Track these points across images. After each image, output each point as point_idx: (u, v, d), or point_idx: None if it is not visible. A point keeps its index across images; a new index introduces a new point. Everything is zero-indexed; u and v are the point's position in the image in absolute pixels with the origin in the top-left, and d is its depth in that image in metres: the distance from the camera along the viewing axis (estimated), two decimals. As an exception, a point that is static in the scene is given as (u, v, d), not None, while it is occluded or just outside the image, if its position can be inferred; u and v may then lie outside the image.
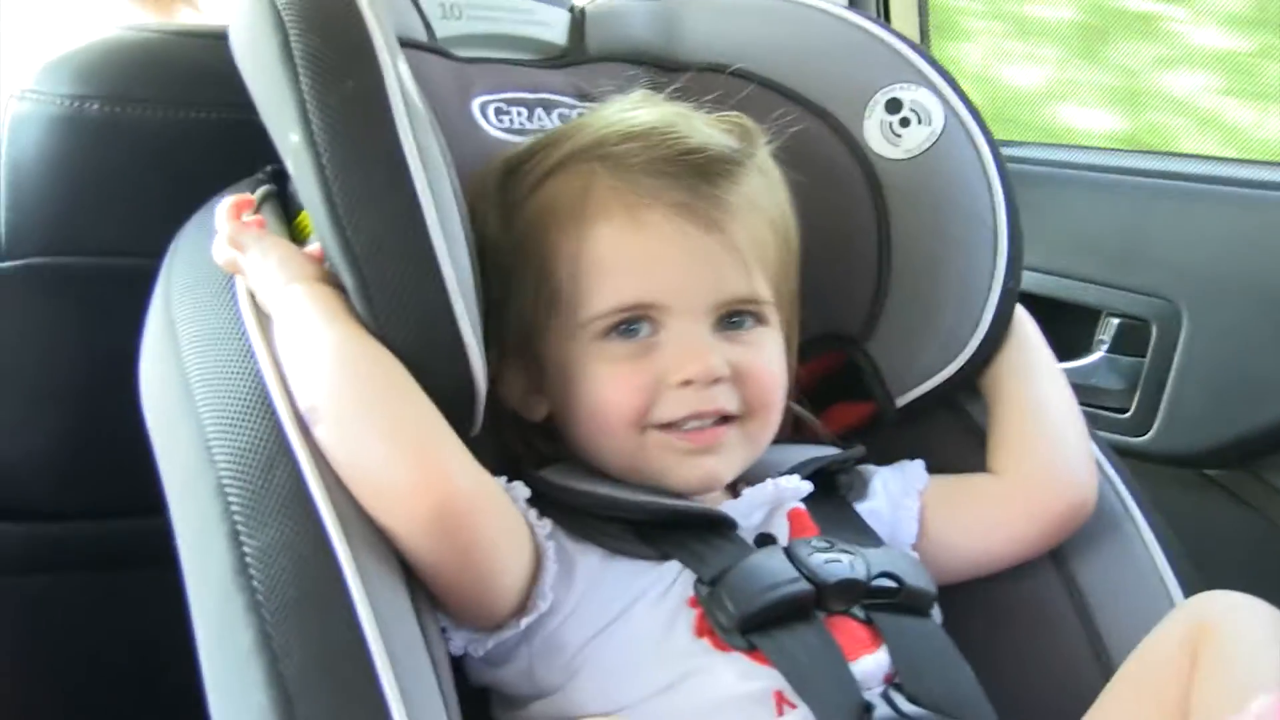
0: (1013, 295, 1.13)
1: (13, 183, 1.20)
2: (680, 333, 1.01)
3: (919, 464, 1.13)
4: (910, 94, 1.16)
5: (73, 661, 1.29)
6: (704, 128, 1.06)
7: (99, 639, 1.24)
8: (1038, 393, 1.14)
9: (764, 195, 1.06)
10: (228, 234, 1.01)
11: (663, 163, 1.02)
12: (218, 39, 1.11)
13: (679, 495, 1.03)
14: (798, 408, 1.14)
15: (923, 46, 1.24)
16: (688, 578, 0.98)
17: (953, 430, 1.17)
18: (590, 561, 0.99)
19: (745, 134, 1.07)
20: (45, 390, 1.20)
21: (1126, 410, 1.49)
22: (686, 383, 1.00)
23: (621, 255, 1.01)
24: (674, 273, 1.01)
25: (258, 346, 0.97)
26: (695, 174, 1.02)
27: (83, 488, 1.11)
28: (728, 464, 1.04)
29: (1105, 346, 1.52)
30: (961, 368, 1.13)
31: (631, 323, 1.02)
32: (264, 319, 0.99)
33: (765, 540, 1.02)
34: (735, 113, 1.10)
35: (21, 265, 1.20)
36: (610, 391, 1.02)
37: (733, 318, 1.03)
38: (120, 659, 1.23)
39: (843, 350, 1.17)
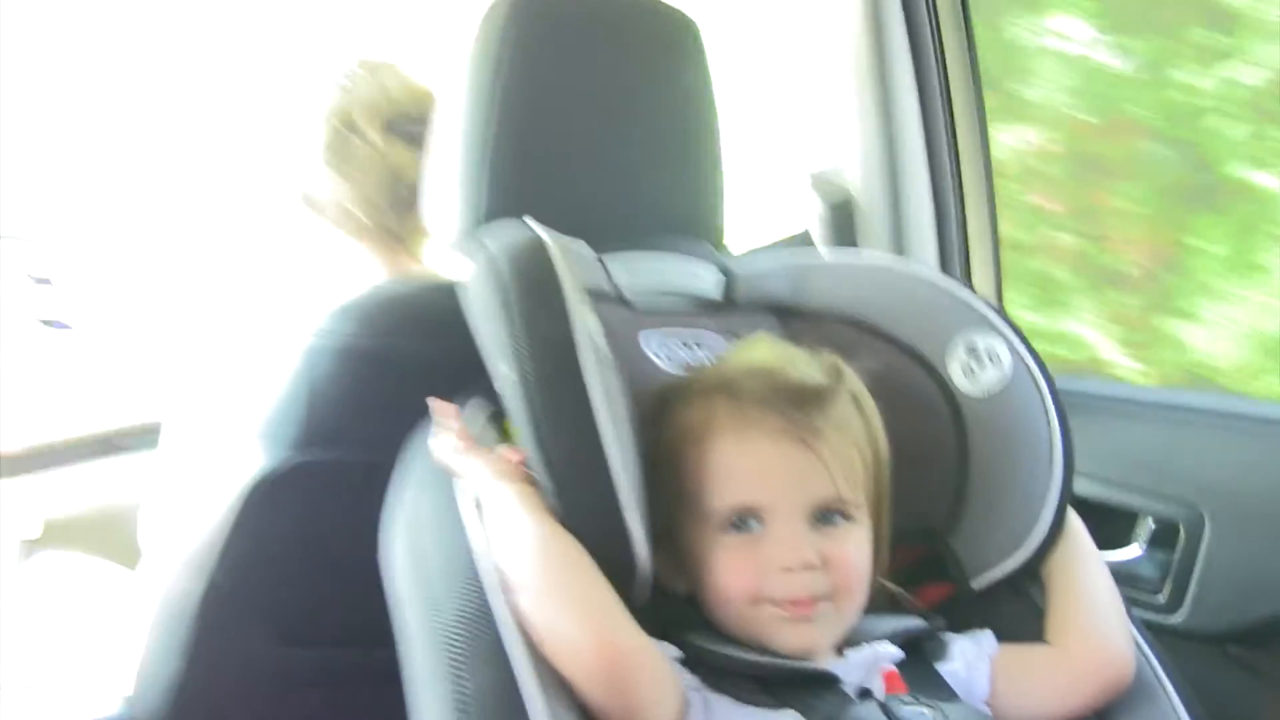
0: (1066, 503, 1.15)
1: (310, 397, 1.27)
2: (781, 528, 1.05)
3: (989, 633, 1.14)
4: (985, 342, 1.19)
5: None
6: (802, 366, 1.11)
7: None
8: (1086, 580, 1.16)
9: (851, 419, 1.11)
10: (455, 443, 1.08)
11: (768, 393, 1.07)
12: (454, 292, 1.18)
13: (791, 657, 1.05)
14: (892, 585, 1.17)
15: (996, 304, 1.28)
16: None
17: (1017, 607, 1.17)
18: (725, 707, 1.02)
19: (835, 371, 1.12)
20: (333, 551, 1.25)
21: (1160, 594, 1.48)
22: (787, 569, 1.05)
23: (735, 466, 1.07)
24: (774, 481, 1.06)
25: (473, 531, 1.02)
26: (792, 403, 1.07)
27: (357, 624, 1.15)
28: (823, 632, 1.07)
29: (1142, 542, 1.52)
30: (1025, 560, 1.16)
31: (743, 519, 1.06)
32: (478, 508, 1.03)
33: (865, 694, 1.05)
34: (829, 353, 1.14)
35: (321, 458, 1.27)
36: (729, 574, 1.06)
37: (824, 516, 1.07)
38: None
39: (930, 541, 1.20)
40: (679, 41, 1.35)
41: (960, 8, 1.77)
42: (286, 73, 2.29)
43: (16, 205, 2.45)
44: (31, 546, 2.14)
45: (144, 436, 2.25)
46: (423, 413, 1.17)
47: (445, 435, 1.09)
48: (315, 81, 1.59)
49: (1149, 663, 1.14)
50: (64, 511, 2.23)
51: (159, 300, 2.46)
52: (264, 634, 1.32)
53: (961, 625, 1.16)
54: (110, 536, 2.15)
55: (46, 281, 2.33)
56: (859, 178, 1.79)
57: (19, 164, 2.68)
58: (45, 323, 2.31)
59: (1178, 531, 1.48)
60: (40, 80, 2.69)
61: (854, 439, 1.10)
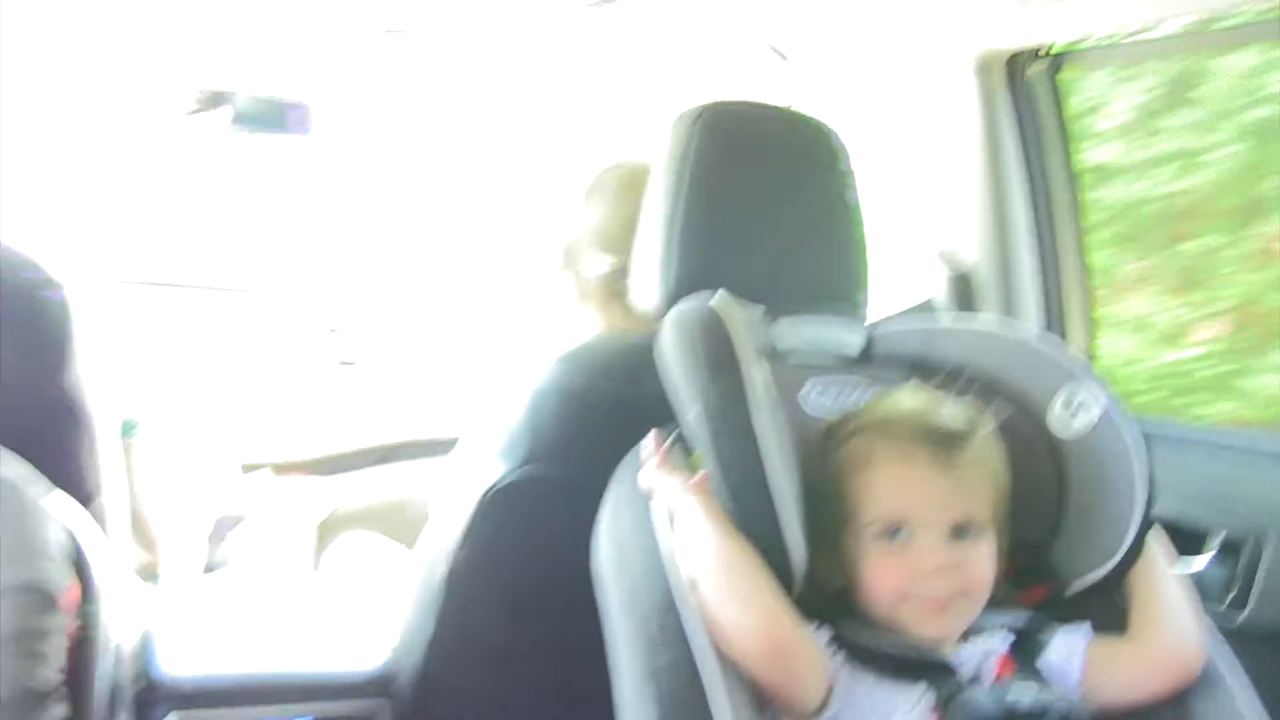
0: (1147, 523, 1.14)
1: (535, 424, 1.30)
2: (925, 540, 1.06)
3: (1087, 625, 1.13)
4: (1079, 393, 1.18)
5: (560, 706, 1.34)
6: (946, 411, 1.12)
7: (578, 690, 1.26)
8: (1163, 586, 1.14)
9: (985, 455, 1.11)
10: (653, 466, 1.11)
11: (919, 432, 1.09)
12: (650, 346, 1.20)
13: (925, 643, 1.07)
14: (999, 589, 1.14)
15: (1088, 361, 1.27)
16: (930, 696, 1.02)
17: (1103, 607, 1.15)
18: (866, 681, 1.03)
19: (973, 416, 1.13)
20: (552, 545, 1.26)
21: (1225, 599, 1.45)
22: (930, 572, 1.06)
23: (890, 488, 1.08)
24: (921, 501, 1.07)
25: (665, 535, 1.06)
26: (939, 441, 1.08)
27: (571, 604, 1.18)
28: (952, 624, 1.07)
29: (1212, 554, 1.49)
30: (1113, 569, 1.14)
31: (894, 531, 1.07)
32: (669, 517, 1.07)
33: (975, 680, 1.05)
34: (968, 401, 1.15)
35: (542, 470, 1.30)
36: (881, 575, 1.07)
37: (960, 531, 1.08)
38: (567, 690, 1.27)
39: (1033, 552, 1.18)
40: (823, 145, 1.36)
41: (1057, 114, 1.75)
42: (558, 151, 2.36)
43: (312, 263, 2.57)
44: (322, 530, 2.25)
45: (412, 448, 2.36)
46: (624, 441, 1.20)
47: (652, 460, 1.12)
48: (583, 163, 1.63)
49: (1215, 657, 1.12)
50: (348, 505, 2.34)
51: (428, 342, 2.55)
52: (497, 606, 1.34)
53: (1061, 620, 1.14)
54: (383, 524, 2.24)
55: (337, 330, 2.44)
56: (977, 254, 1.79)
57: (318, 229, 2.80)
58: (339, 362, 2.42)
59: (1242, 546, 1.45)
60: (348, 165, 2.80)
61: (986, 470, 1.11)
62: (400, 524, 2.13)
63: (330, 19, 1.89)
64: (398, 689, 1.38)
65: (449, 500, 1.39)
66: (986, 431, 1.13)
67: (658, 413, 1.18)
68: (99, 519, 1.23)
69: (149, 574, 1.64)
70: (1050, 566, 1.18)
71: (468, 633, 1.36)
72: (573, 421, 1.30)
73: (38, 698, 0.82)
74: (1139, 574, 1.15)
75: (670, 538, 1.05)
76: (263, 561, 2.09)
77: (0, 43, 1.82)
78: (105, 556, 1.01)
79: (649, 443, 1.14)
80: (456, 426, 1.57)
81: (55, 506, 0.94)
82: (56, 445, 1.15)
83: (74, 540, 0.94)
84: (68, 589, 0.89)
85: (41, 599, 0.84)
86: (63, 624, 0.86)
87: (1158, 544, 1.17)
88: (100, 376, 1.35)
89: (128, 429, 1.47)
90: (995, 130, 1.74)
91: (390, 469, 2.44)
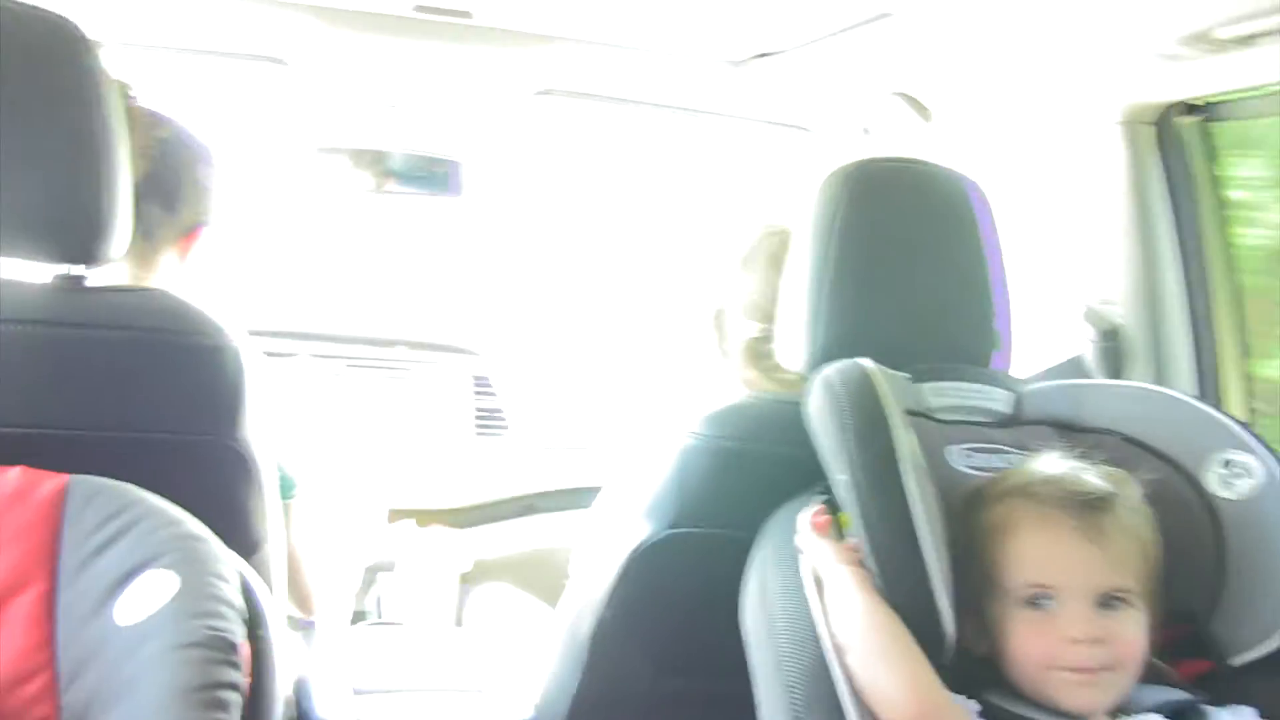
0: None
1: (682, 484, 1.30)
2: (1072, 607, 1.05)
3: (1251, 710, 1.09)
4: (1240, 457, 1.15)
5: None
6: (1092, 478, 1.10)
7: None
8: None
9: (1132, 523, 1.09)
10: (808, 533, 1.11)
11: (1064, 498, 1.07)
12: (797, 408, 1.21)
13: (1073, 715, 1.04)
14: (1157, 661, 1.12)
15: (1248, 423, 1.24)
16: None
17: (1275, 686, 1.11)
18: None
19: (1121, 483, 1.10)
20: (699, 603, 1.27)
21: None
22: (1075, 640, 1.04)
23: (1034, 554, 1.07)
24: (1067, 568, 1.05)
25: (813, 602, 1.05)
26: (1084, 508, 1.07)
27: (718, 660, 1.17)
28: (1103, 696, 1.05)
29: None
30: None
31: (1040, 598, 1.06)
32: (819, 585, 1.06)
33: None
34: (1115, 468, 1.12)
35: (690, 531, 1.30)
36: (1027, 643, 1.06)
37: (1108, 600, 1.05)
38: None
39: (1192, 623, 1.15)
40: (967, 201, 1.36)
41: (1210, 163, 1.72)
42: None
43: (467, 322, 2.65)
44: (465, 579, 2.30)
45: (554, 498, 2.40)
46: (770, 502, 1.21)
47: (808, 524, 1.12)
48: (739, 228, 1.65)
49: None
50: (492, 555, 2.39)
51: (575, 392, 2.59)
52: (642, 662, 1.35)
53: (1220, 701, 1.11)
54: (525, 574, 2.29)
55: (487, 383, 2.51)
56: (1125, 312, 1.75)
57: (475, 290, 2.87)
58: (485, 413, 2.48)
59: None
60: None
61: (1133, 538, 1.09)
62: (541, 576, 2.17)
63: (483, 81, 1.95)
64: (543, 742, 1.39)
65: (594, 557, 1.40)
66: (1135, 498, 1.11)
67: (805, 474, 1.19)
68: (263, 570, 1.29)
69: (299, 626, 1.70)
70: (1212, 640, 1.15)
71: (612, 689, 1.37)
72: (721, 482, 1.30)
73: None
74: None
75: (818, 604, 1.05)
76: (409, 611, 2.14)
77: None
78: (272, 609, 1.05)
79: (806, 509, 1.14)
80: (599, 477, 1.58)
81: (230, 561, 0.99)
82: (228, 497, 1.21)
83: (249, 593, 0.98)
84: (244, 642, 0.93)
85: (224, 652, 0.89)
86: (242, 676, 0.90)
87: None
88: (266, 431, 1.41)
89: (287, 489, 1.53)
90: (1144, 184, 1.71)
91: (532, 520, 2.48)
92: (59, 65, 1.11)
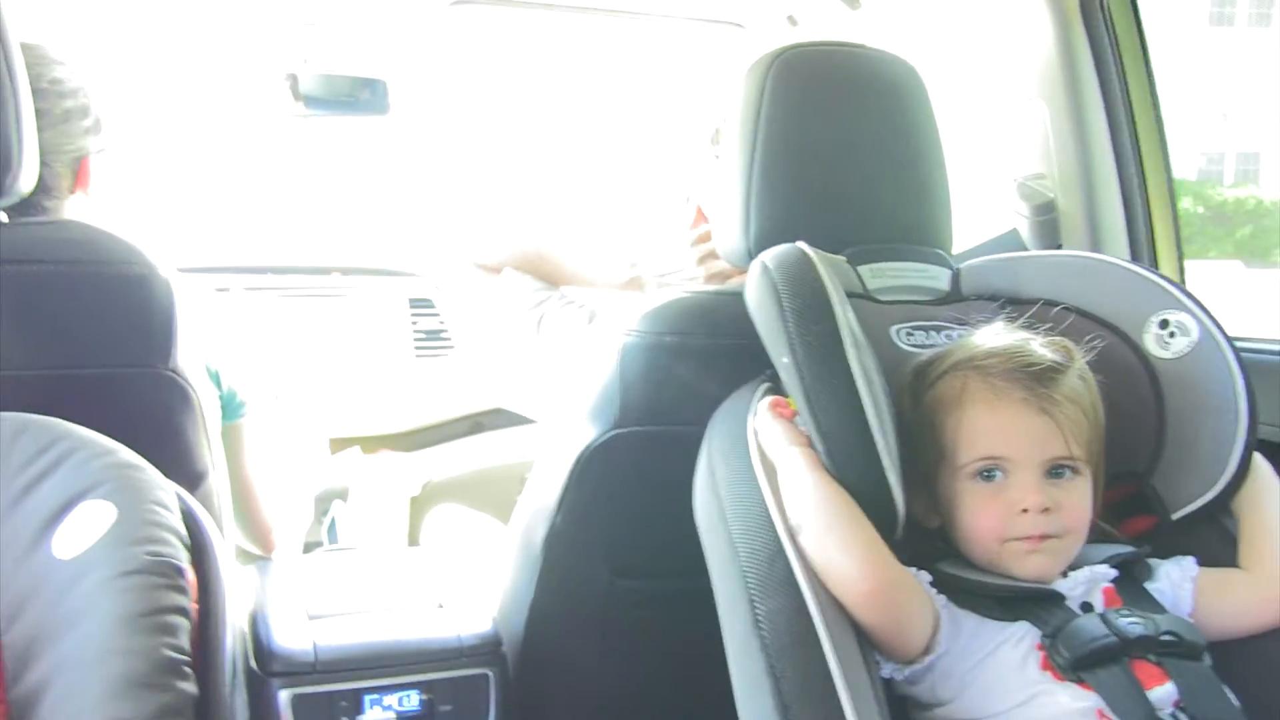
0: (1251, 445, 1.12)
1: (624, 383, 1.29)
2: (1021, 478, 1.06)
3: (1191, 559, 1.12)
4: (1174, 315, 1.17)
5: (649, 661, 1.37)
6: (1038, 348, 1.10)
7: (672, 648, 1.32)
8: (1273, 511, 1.12)
9: (1079, 391, 1.10)
10: (763, 413, 1.10)
11: (1012, 370, 1.08)
12: (733, 299, 1.21)
13: (1024, 580, 1.06)
14: (1103, 524, 1.15)
15: (1181, 283, 1.25)
16: (1034, 632, 1.02)
17: (1213, 537, 1.14)
18: (970, 621, 1.04)
19: (1066, 352, 1.11)
20: (648, 502, 1.29)
21: None
22: (1025, 510, 1.05)
23: (985, 427, 1.08)
24: (1017, 440, 1.07)
25: (764, 486, 1.05)
26: (1032, 378, 1.08)
27: (671, 559, 1.18)
28: (1052, 562, 1.07)
29: None
30: (1217, 494, 1.13)
31: (990, 470, 1.07)
32: (769, 467, 1.06)
33: (1087, 608, 1.05)
34: (1060, 338, 1.13)
35: (633, 431, 1.29)
36: (979, 516, 1.07)
37: (1056, 469, 1.07)
38: (680, 661, 1.30)
39: (1135, 482, 1.17)
40: (903, 84, 1.35)
41: (1136, 31, 1.71)
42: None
43: (403, 244, 2.60)
44: (416, 503, 2.30)
45: (501, 416, 2.39)
46: (714, 395, 1.20)
47: (765, 408, 1.11)
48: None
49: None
50: (442, 476, 2.38)
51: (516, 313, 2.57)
52: (595, 566, 1.35)
53: (1164, 554, 1.14)
54: (476, 493, 2.29)
55: (429, 304, 2.48)
56: (1058, 183, 1.76)
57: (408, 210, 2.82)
58: (426, 335, 2.46)
59: None
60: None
61: (1081, 407, 1.10)
62: (493, 493, 2.17)
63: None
64: (503, 654, 1.40)
65: (543, 465, 1.40)
66: (1081, 366, 1.12)
67: (748, 365, 1.19)
68: (209, 502, 1.27)
69: (253, 556, 1.69)
70: (1154, 497, 1.17)
71: (568, 595, 1.38)
72: (662, 378, 1.30)
73: (172, 670, 0.85)
74: (1247, 499, 1.14)
75: (771, 489, 1.05)
76: (361, 538, 2.13)
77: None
78: (218, 537, 1.04)
79: (757, 394, 1.14)
80: (551, 395, 1.58)
81: (169, 488, 0.98)
82: (167, 428, 1.19)
83: (192, 520, 0.97)
84: (189, 568, 0.92)
85: (168, 577, 0.88)
86: (188, 601, 0.89)
87: (1265, 468, 1.15)
88: (213, 354, 1.39)
89: (236, 409, 1.51)
90: (1070, 55, 1.71)
91: (481, 439, 2.48)
92: None
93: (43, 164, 1.30)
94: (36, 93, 1.29)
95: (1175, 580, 1.11)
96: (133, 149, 1.50)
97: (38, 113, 1.27)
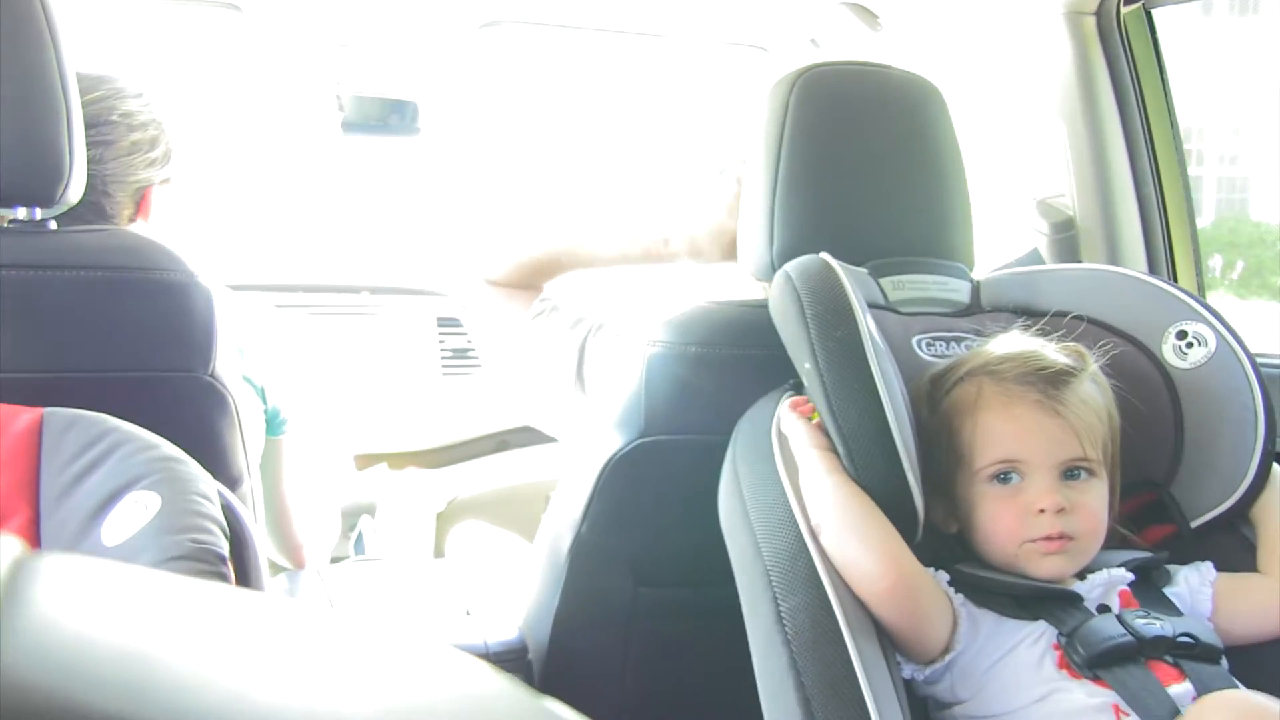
0: (1270, 454, 1.13)
1: (649, 392, 1.30)
2: (1037, 480, 1.07)
3: (1209, 564, 1.13)
4: (1192, 326, 1.18)
5: (673, 670, 1.38)
6: (1052, 353, 1.12)
7: (696, 656, 1.33)
8: None
9: (1092, 395, 1.11)
10: (787, 414, 1.13)
11: (1026, 375, 1.10)
12: (757, 309, 1.24)
13: (1042, 581, 1.07)
14: (1122, 529, 1.16)
15: (1199, 295, 1.26)
16: (1051, 631, 1.03)
17: (1232, 544, 1.15)
18: (988, 620, 1.05)
19: (1079, 357, 1.13)
20: (674, 510, 1.30)
21: None
22: (1042, 511, 1.07)
23: (1000, 431, 1.09)
24: (1031, 442, 1.08)
25: (787, 487, 1.06)
26: (1046, 382, 1.09)
27: (694, 568, 1.20)
28: (1070, 563, 1.08)
29: None
30: (1235, 503, 1.14)
31: (1006, 473, 1.08)
32: (792, 469, 1.07)
33: (1104, 609, 1.06)
34: (1074, 343, 1.15)
35: (659, 439, 1.31)
36: (996, 520, 1.09)
37: (1071, 471, 1.08)
38: (703, 670, 1.30)
39: (1154, 490, 1.19)
40: (925, 104, 1.36)
41: (1153, 50, 1.73)
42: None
43: (431, 263, 2.63)
44: (442, 519, 2.32)
45: (527, 434, 2.41)
46: (739, 403, 1.22)
47: (787, 409, 1.14)
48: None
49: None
50: (467, 493, 2.40)
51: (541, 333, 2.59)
52: (620, 575, 1.36)
53: (1183, 561, 1.15)
54: (501, 510, 2.30)
55: (456, 323, 2.50)
56: (1077, 202, 1.77)
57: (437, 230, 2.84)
58: (453, 353, 2.48)
59: None
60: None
61: (1095, 410, 1.11)
62: (517, 511, 2.19)
63: (428, 15, 1.93)
64: (528, 661, 1.41)
65: (569, 475, 1.42)
66: (1093, 370, 1.14)
67: (773, 376, 1.21)
68: (245, 504, 1.30)
69: (281, 568, 1.71)
70: (1173, 505, 1.18)
71: (594, 604, 1.39)
72: (687, 387, 1.31)
73: None
74: (1265, 508, 1.15)
75: (794, 490, 1.06)
76: (387, 552, 2.15)
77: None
78: (255, 536, 1.07)
79: (791, 400, 1.15)
80: (577, 407, 1.59)
81: (211, 481, 1.00)
82: (204, 432, 1.21)
83: (231, 514, 1.00)
84: (229, 559, 0.94)
85: (211, 564, 0.90)
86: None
87: None
88: (255, 367, 1.42)
89: (279, 425, 1.53)
90: (1088, 75, 1.72)
91: (506, 456, 2.50)
92: (9, 4, 1.11)
93: (104, 193, 1.34)
94: (107, 125, 1.35)
95: (1194, 585, 1.11)
96: (195, 177, 1.53)
97: (105, 144, 1.32)
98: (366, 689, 0.29)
